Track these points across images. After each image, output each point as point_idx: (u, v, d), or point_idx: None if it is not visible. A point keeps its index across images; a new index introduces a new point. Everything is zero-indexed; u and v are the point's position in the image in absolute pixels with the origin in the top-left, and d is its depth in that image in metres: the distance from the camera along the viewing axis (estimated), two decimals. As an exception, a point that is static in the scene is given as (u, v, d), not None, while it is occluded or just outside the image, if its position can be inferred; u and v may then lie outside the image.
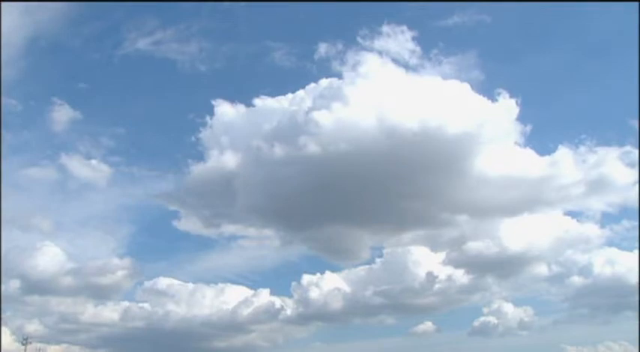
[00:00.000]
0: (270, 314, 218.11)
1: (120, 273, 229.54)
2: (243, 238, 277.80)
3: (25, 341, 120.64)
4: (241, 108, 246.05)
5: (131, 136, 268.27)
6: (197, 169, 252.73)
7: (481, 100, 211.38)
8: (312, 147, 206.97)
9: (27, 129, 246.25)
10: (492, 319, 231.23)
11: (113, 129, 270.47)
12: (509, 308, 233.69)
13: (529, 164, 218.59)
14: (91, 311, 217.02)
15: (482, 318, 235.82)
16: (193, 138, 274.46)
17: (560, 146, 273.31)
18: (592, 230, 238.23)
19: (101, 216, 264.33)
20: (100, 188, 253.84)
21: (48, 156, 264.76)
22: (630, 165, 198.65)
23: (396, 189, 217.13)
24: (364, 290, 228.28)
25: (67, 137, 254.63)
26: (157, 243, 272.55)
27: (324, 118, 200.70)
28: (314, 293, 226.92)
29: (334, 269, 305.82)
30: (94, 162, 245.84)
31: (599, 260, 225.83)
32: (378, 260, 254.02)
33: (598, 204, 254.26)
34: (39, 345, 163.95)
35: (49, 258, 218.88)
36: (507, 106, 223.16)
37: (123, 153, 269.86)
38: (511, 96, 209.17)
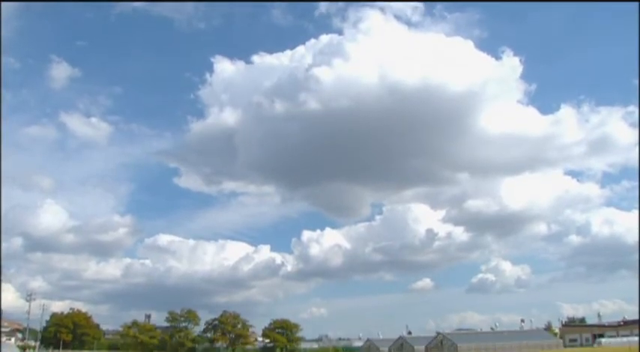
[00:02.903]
0: (271, 270, 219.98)
1: (121, 231, 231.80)
2: (243, 195, 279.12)
3: (29, 297, 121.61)
4: (241, 65, 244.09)
5: (130, 94, 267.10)
6: (197, 127, 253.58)
7: (484, 58, 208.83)
8: (313, 104, 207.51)
9: (26, 87, 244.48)
10: (490, 276, 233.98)
11: (111, 88, 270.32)
12: (506, 266, 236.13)
13: (531, 123, 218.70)
14: (94, 268, 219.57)
15: (480, 275, 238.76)
16: (192, 96, 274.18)
17: (563, 105, 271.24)
18: (592, 190, 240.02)
19: (101, 174, 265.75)
20: (99, 146, 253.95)
21: (47, 115, 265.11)
22: (633, 125, 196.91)
23: (397, 147, 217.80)
24: (364, 247, 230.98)
25: (65, 95, 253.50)
26: (157, 200, 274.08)
27: (324, 75, 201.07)
28: (314, 250, 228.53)
29: (334, 226, 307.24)
30: (93, 120, 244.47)
31: (598, 219, 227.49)
32: (378, 217, 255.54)
33: (599, 163, 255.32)
34: (43, 301, 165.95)
35: (50, 216, 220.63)
36: (511, 64, 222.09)
37: (122, 111, 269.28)
38: (515, 55, 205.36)
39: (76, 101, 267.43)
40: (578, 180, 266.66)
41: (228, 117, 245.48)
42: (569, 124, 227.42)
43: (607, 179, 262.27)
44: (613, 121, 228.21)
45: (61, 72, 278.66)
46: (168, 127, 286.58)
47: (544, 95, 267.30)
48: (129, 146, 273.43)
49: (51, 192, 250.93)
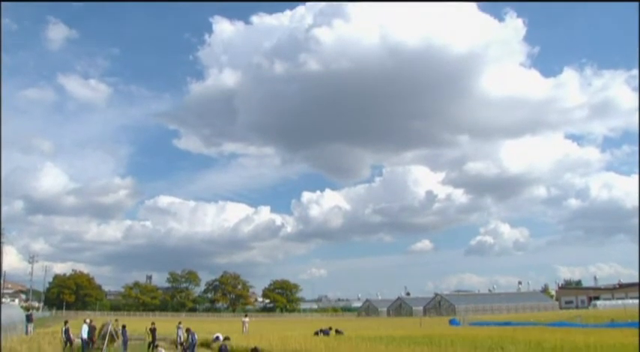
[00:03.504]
0: (271, 231, 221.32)
1: (121, 193, 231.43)
2: (243, 156, 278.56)
3: (31, 259, 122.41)
4: (240, 25, 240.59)
5: (128, 56, 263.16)
6: (196, 88, 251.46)
7: (487, 20, 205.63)
8: (313, 65, 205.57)
9: (23, 49, 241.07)
10: (489, 239, 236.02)
11: (109, 49, 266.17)
12: (505, 228, 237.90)
13: (533, 86, 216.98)
14: (95, 230, 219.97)
15: (478, 238, 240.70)
16: (191, 57, 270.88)
17: (566, 68, 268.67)
18: (592, 154, 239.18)
19: (101, 136, 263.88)
20: (98, 108, 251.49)
21: (45, 77, 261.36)
22: (636, 88, 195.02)
23: (397, 108, 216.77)
24: (364, 209, 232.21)
25: (63, 57, 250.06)
26: (157, 162, 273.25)
27: (324, 36, 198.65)
28: (314, 211, 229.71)
29: (334, 187, 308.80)
30: (92, 82, 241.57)
31: (597, 183, 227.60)
32: (377, 178, 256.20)
33: (600, 127, 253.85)
34: (45, 263, 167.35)
35: (51, 178, 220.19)
36: (514, 26, 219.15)
37: (120, 73, 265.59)
38: (519, 16, 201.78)
39: (73, 63, 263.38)
40: (578, 144, 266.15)
41: (227, 78, 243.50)
42: (571, 87, 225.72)
43: (608, 143, 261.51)
44: (616, 85, 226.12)
45: (57, 33, 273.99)
46: (167, 89, 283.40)
47: (547, 58, 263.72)
48: (128, 108, 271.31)
49: (51, 155, 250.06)
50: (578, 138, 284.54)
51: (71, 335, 30.73)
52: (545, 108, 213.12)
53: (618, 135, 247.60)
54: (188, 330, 27.96)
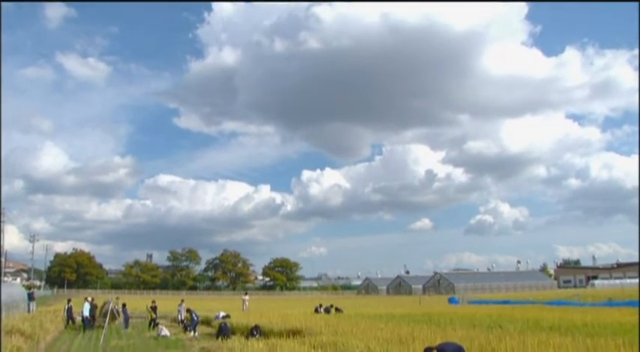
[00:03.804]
0: (271, 209, 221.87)
1: (121, 171, 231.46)
2: (243, 135, 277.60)
3: (32, 238, 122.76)
4: (239, 3, 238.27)
5: (126, 34, 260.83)
6: (196, 66, 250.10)
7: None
8: (313, 43, 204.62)
9: (21, 28, 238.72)
10: (488, 218, 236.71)
11: (108, 28, 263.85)
12: (505, 208, 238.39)
13: (535, 65, 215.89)
14: (95, 209, 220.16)
15: (478, 217, 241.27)
16: (191, 35, 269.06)
17: (568, 47, 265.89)
18: (593, 134, 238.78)
19: (100, 115, 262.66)
20: (98, 87, 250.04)
21: (44, 56, 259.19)
22: (638, 68, 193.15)
23: (398, 87, 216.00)
24: (364, 187, 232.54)
25: (61, 35, 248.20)
26: (157, 141, 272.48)
27: (325, 14, 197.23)
28: (314, 190, 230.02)
29: (334, 166, 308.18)
30: (90, 60, 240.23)
31: (597, 163, 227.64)
32: (377, 157, 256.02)
33: (601, 107, 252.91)
34: (46, 242, 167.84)
35: (50, 158, 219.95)
36: (516, 5, 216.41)
37: (119, 51, 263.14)
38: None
39: (72, 41, 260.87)
40: (579, 124, 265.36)
41: (227, 56, 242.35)
42: (572, 67, 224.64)
43: (608, 123, 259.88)
44: (618, 65, 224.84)
45: (56, 12, 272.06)
46: (166, 67, 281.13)
47: (549, 37, 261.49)
48: (127, 87, 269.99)
49: (50, 135, 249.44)
50: (578, 118, 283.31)
51: (73, 314, 30.95)
52: (546, 87, 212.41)
53: (619, 115, 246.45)
54: (190, 310, 28.10)
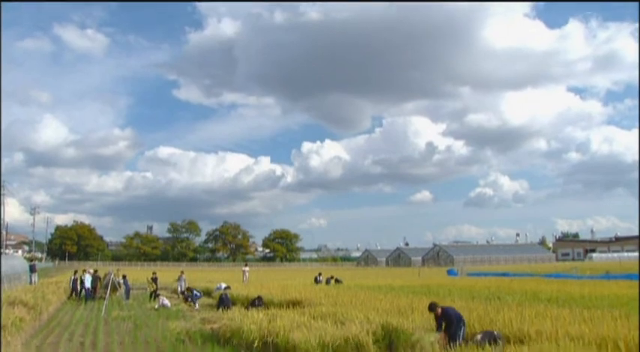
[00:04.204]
0: (271, 181, 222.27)
1: (121, 144, 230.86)
2: (243, 107, 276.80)
3: (33, 211, 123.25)
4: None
5: (125, 6, 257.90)
6: (195, 38, 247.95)
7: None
8: (314, 15, 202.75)
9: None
10: (488, 191, 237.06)
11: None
12: (505, 180, 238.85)
13: (537, 37, 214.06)
14: (95, 182, 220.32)
15: (478, 190, 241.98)
16: (189, 7, 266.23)
17: (571, 19, 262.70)
18: (594, 107, 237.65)
19: (99, 87, 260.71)
20: (96, 59, 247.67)
21: (41, 28, 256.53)
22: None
23: (398, 59, 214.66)
24: (364, 159, 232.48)
25: (59, 6, 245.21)
26: (156, 113, 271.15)
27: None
28: (314, 161, 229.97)
29: (334, 138, 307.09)
30: (89, 32, 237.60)
31: (598, 137, 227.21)
32: (378, 129, 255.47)
33: (603, 81, 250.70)
34: (47, 215, 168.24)
35: (50, 130, 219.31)
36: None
37: (118, 23, 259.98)
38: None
39: (69, 13, 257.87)
40: (581, 97, 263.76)
41: (227, 28, 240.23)
42: (575, 39, 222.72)
43: (610, 97, 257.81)
44: (621, 38, 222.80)
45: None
46: (165, 39, 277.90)
47: (552, 9, 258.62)
48: (126, 58, 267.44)
49: (49, 107, 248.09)
50: (580, 91, 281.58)
51: (78, 285, 31.04)
52: (548, 60, 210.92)
53: (621, 88, 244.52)
54: (190, 289, 28.24)
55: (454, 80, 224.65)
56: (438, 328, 12.19)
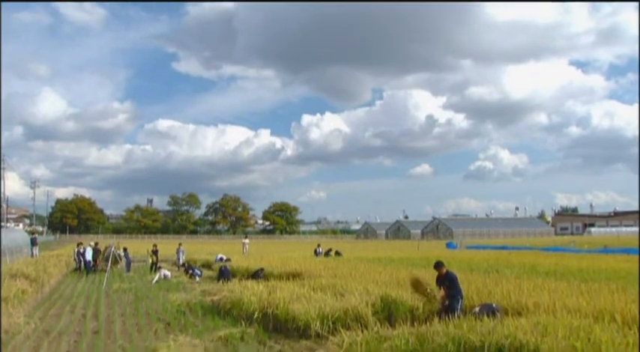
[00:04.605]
0: (271, 154, 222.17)
1: (121, 117, 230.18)
2: (243, 79, 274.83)
3: (33, 184, 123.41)
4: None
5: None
6: (194, 10, 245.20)
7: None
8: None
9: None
10: (488, 164, 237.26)
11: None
12: (505, 154, 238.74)
13: (540, 9, 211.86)
14: (95, 155, 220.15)
15: (478, 163, 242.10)
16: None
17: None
18: (596, 81, 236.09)
19: (98, 60, 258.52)
20: (94, 31, 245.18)
21: (38, 0, 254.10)
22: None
23: (399, 31, 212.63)
24: (364, 132, 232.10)
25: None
26: (155, 85, 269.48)
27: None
28: (314, 134, 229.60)
29: (334, 111, 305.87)
30: (86, 4, 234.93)
31: (599, 112, 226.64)
32: (378, 102, 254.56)
33: (606, 54, 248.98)
34: (47, 188, 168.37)
35: (49, 103, 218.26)
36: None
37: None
38: None
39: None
40: (583, 71, 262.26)
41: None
42: (579, 12, 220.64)
43: (613, 71, 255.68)
44: (625, 11, 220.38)
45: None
46: (164, 11, 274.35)
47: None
48: (124, 31, 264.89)
49: (48, 80, 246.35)
50: (583, 65, 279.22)
51: (81, 259, 31.09)
52: (551, 33, 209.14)
53: (624, 62, 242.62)
54: (191, 267, 28.34)
55: (455, 53, 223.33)
56: (438, 287, 12.34)
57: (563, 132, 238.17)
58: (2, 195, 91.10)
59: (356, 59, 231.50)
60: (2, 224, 77.99)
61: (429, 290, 12.32)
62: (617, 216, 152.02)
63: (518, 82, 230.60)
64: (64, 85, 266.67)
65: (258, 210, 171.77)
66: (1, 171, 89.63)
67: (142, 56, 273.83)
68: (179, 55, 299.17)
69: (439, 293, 12.14)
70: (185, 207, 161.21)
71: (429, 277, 13.00)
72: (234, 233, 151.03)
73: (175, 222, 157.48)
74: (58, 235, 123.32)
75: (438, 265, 12.66)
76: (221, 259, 31.76)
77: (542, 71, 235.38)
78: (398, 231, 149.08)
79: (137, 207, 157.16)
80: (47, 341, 11.95)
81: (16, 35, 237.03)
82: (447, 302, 11.94)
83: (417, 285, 12.67)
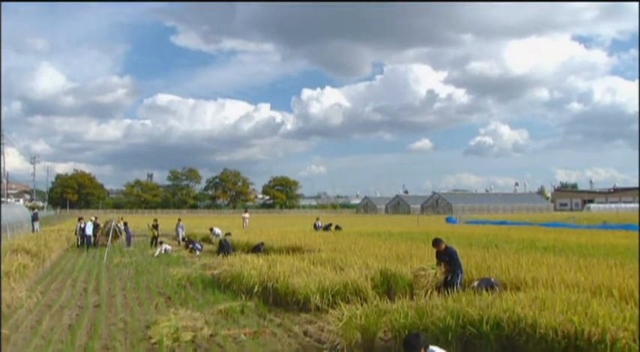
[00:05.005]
0: (271, 128, 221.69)
1: (120, 91, 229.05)
2: (242, 53, 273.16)
3: (33, 160, 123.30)
4: None
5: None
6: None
7: None
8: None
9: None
10: (488, 140, 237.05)
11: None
12: (505, 130, 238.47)
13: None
14: (94, 130, 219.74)
15: (478, 138, 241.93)
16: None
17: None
18: (599, 57, 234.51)
19: (96, 34, 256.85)
20: (91, 5, 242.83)
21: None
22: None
23: (400, 5, 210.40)
24: (364, 106, 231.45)
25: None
26: (154, 60, 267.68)
27: None
28: (314, 109, 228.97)
29: (334, 85, 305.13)
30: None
31: (601, 88, 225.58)
32: (378, 76, 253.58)
33: (609, 30, 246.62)
34: (47, 164, 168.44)
35: (47, 78, 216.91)
36: None
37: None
38: None
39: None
40: (585, 46, 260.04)
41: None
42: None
43: (615, 46, 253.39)
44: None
45: None
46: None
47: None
48: (122, 4, 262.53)
49: (46, 55, 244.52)
50: (585, 40, 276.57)
51: (79, 233, 31.16)
52: (553, 7, 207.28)
53: (627, 38, 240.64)
54: (192, 241, 28.45)
55: (456, 27, 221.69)
56: (438, 264, 12.41)
57: (564, 108, 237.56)
58: (2, 171, 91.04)
59: (356, 33, 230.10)
60: (3, 199, 78.00)
61: (429, 273, 12.27)
62: (617, 193, 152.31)
63: (519, 57, 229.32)
64: (63, 59, 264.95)
65: (258, 184, 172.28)
66: (1, 146, 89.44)
67: (141, 30, 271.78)
68: (178, 29, 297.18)
69: (440, 270, 12.19)
70: (185, 182, 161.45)
71: (429, 254, 13.07)
72: (234, 207, 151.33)
73: (175, 196, 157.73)
74: (58, 210, 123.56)
75: (437, 242, 12.69)
76: (217, 235, 31.78)
77: (544, 46, 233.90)
78: (397, 205, 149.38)
79: (137, 182, 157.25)
80: (49, 314, 12.07)
81: (14, 9, 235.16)
82: (448, 277, 12.02)
83: (418, 277, 12.62)
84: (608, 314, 7.36)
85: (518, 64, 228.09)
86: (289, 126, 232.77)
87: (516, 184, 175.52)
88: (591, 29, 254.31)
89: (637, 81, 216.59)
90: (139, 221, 49.10)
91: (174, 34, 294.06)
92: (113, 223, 30.83)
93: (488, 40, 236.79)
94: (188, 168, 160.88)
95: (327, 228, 38.67)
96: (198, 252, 26.09)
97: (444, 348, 6.59)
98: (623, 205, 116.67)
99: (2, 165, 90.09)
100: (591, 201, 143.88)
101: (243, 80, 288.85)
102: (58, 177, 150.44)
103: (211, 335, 9.79)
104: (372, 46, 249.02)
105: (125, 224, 33.15)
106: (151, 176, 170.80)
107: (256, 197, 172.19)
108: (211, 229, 33.56)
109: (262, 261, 15.46)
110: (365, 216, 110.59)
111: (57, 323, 11.22)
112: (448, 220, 62.97)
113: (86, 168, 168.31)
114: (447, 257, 12.31)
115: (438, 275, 12.08)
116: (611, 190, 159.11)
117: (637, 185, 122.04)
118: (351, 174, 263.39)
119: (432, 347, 6.15)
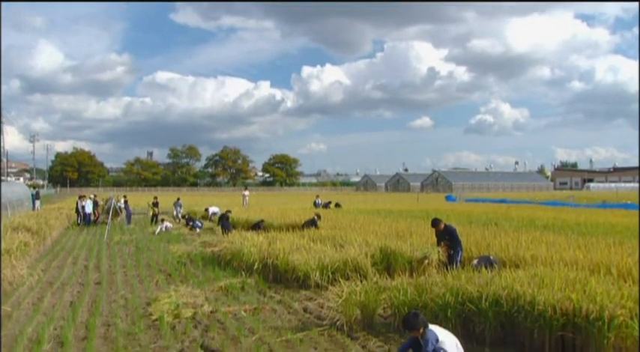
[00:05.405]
0: (271, 106, 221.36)
1: (119, 69, 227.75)
2: (242, 30, 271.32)
3: (32, 138, 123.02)
4: None
5: None
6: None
7: None
8: None
9: None
10: (489, 118, 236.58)
11: None
12: (506, 108, 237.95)
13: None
14: (94, 108, 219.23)
15: (478, 117, 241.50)
16: None
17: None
18: (601, 35, 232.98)
19: (94, 12, 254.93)
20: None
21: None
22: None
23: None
24: (364, 84, 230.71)
25: None
26: (153, 37, 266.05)
27: None
28: (314, 86, 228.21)
29: (335, 62, 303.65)
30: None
31: (603, 66, 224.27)
32: (379, 54, 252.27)
33: (613, 8, 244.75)
34: (47, 142, 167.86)
35: (46, 56, 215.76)
36: None
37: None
38: None
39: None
40: (588, 24, 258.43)
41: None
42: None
43: (619, 24, 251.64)
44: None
45: None
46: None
47: None
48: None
49: (44, 32, 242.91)
50: (588, 18, 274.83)
51: (81, 211, 31.14)
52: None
53: (630, 16, 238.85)
54: (192, 219, 28.45)
55: (458, 4, 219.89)
56: (438, 243, 12.47)
57: (566, 86, 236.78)
58: (2, 149, 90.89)
59: (357, 10, 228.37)
60: (3, 178, 78.00)
61: (432, 258, 12.27)
62: (617, 172, 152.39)
63: (521, 34, 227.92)
64: (61, 37, 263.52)
65: (258, 162, 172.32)
66: (1, 125, 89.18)
67: (139, 7, 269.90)
68: (176, 6, 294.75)
69: (442, 250, 12.24)
70: (185, 160, 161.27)
71: (429, 232, 13.09)
72: (234, 185, 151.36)
73: (175, 174, 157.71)
74: (58, 188, 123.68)
75: (436, 222, 12.73)
76: (214, 213, 31.70)
77: (546, 24, 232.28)
78: (397, 183, 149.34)
79: (137, 160, 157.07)
80: (50, 292, 12.14)
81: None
82: (451, 252, 12.09)
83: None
84: (607, 291, 7.41)
85: (519, 41, 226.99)
86: (289, 104, 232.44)
87: (516, 163, 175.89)
88: (594, 7, 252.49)
89: (638, 60, 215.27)
90: (139, 199, 49.16)
91: (174, 12, 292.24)
92: (113, 201, 30.85)
93: (490, 18, 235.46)
94: (188, 146, 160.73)
95: (326, 205, 38.70)
96: (198, 230, 26.15)
97: (442, 325, 6.64)
98: (623, 185, 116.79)
99: (2, 144, 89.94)
100: (591, 180, 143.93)
101: (243, 57, 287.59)
102: (58, 155, 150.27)
103: (211, 312, 9.86)
104: (373, 23, 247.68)
105: (125, 201, 33.18)
106: (150, 154, 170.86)
107: (256, 175, 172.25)
108: (206, 209, 33.56)
109: (262, 239, 15.51)
110: (365, 194, 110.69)
111: (58, 300, 11.29)
112: (448, 198, 63.03)
113: (86, 147, 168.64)
114: (447, 235, 12.36)
115: (440, 257, 12.14)
116: (611, 170, 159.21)
117: (637, 164, 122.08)
118: (351, 151, 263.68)
119: (431, 327, 6.20)
